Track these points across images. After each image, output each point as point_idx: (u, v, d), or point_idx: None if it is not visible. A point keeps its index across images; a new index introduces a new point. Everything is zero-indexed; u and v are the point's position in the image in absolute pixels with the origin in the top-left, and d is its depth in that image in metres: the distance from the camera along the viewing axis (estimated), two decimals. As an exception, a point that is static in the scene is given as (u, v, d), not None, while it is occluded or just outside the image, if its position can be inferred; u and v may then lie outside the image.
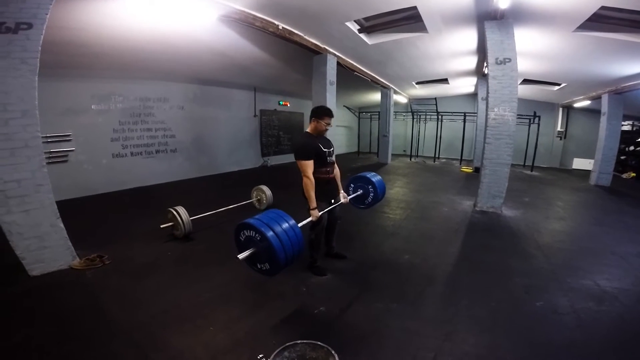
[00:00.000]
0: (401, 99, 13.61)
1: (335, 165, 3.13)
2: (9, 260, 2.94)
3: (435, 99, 13.09)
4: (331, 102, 6.50)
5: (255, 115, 10.24)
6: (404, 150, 15.10)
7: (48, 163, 3.25)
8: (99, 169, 6.39)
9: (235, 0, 4.29)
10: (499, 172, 5.31)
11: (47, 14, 2.75)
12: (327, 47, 6.29)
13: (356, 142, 16.05)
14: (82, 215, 4.89)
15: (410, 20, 5.50)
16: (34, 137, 2.83)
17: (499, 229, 4.73)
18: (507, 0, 4.19)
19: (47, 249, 3.01)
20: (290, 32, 5.35)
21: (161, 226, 3.99)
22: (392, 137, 12.63)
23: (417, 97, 13.90)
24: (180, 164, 8.01)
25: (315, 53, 6.27)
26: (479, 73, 9.29)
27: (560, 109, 11.95)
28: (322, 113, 2.90)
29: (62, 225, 3.10)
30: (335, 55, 6.64)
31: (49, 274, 3.02)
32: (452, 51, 7.20)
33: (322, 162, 2.88)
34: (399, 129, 15.02)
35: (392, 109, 12.26)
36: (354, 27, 5.73)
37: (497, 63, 5.07)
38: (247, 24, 4.72)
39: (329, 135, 3.13)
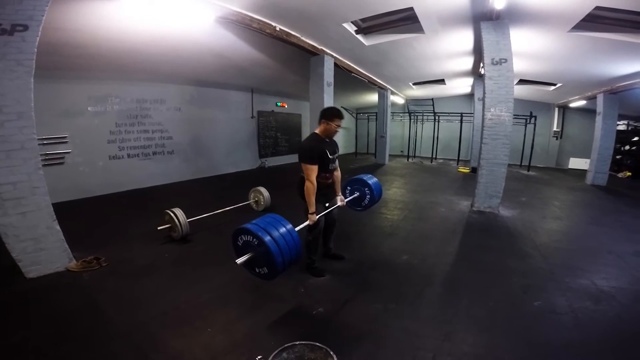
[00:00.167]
0: (398, 99, 13.65)
1: (338, 169, 3.11)
2: (5, 263, 2.93)
3: (432, 99, 13.14)
4: (329, 103, 6.50)
5: (252, 117, 10.23)
6: (402, 151, 15.14)
7: (44, 165, 3.24)
8: (96, 171, 6.36)
9: (233, 1, 4.29)
10: (495, 172, 5.33)
11: (43, 16, 2.74)
12: (324, 49, 6.30)
13: (354, 142, 16.07)
14: (78, 217, 4.87)
15: (407, 21, 5.52)
16: (30, 139, 2.81)
17: (497, 229, 4.75)
18: (502, 1, 4.21)
19: (44, 251, 2.99)
20: (288, 34, 5.35)
21: (158, 228, 3.97)
22: (389, 137, 12.67)
23: (414, 97, 13.94)
24: (177, 166, 7.99)
25: (313, 54, 6.28)
26: (476, 73, 9.34)
27: (556, 109, 12.03)
28: (332, 115, 2.83)
29: (58, 227, 3.08)
30: (332, 56, 6.66)
31: (46, 276, 3.00)
32: (448, 52, 7.23)
33: (324, 168, 2.85)
34: (396, 130, 15.06)
35: (389, 110, 12.29)
36: (351, 29, 5.75)
37: (493, 63, 5.09)
38: (244, 26, 4.72)
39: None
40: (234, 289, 2.87)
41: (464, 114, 12.40)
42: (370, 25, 5.99)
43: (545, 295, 2.84)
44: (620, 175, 10.05)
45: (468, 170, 10.39)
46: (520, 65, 7.32)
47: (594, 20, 4.78)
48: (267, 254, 1.93)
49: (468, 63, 8.33)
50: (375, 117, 13.06)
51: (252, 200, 5.44)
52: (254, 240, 1.96)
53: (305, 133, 12.08)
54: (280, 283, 2.87)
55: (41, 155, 3.04)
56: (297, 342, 1.80)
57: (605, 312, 2.59)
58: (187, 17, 4.56)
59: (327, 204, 3.04)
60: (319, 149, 2.79)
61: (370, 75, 9.31)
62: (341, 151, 3.67)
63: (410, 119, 14.22)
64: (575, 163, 11.87)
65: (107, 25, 4.44)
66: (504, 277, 3.18)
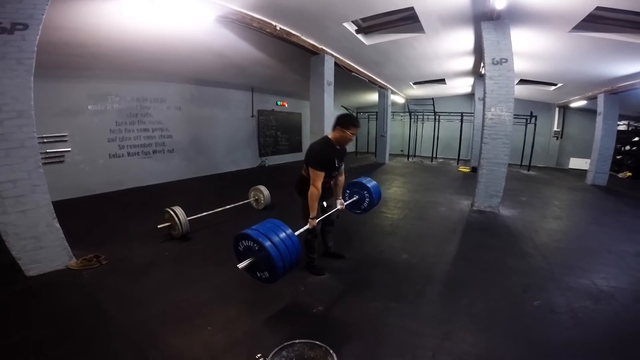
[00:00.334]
0: (399, 99, 13.65)
1: (343, 174, 3.08)
2: (5, 261, 2.93)
3: (433, 99, 13.13)
4: (329, 102, 6.51)
5: (252, 116, 10.22)
6: (402, 151, 15.14)
7: (44, 163, 3.24)
8: (96, 169, 6.36)
9: (233, 0, 4.28)
10: (496, 171, 5.33)
11: (43, 15, 2.73)
12: (324, 48, 6.30)
13: (354, 142, 16.04)
14: (78, 215, 4.87)
15: (408, 20, 5.51)
16: (30, 137, 2.81)
17: (497, 228, 4.75)
18: (503, 1, 4.20)
19: (44, 249, 2.99)
20: (288, 33, 5.34)
21: (158, 226, 3.98)
22: (389, 137, 12.65)
23: (414, 97, 13.93)
24: (177, 164, 7.99)
25: (313, 53, 6.27)
26: (476, 73, 9.33)
27: (557, 109, 12.02)
28: (348, 123, 2.68)
29: (58, 225, 3.08)
30: (332, 55, 6.65)
31: (46, 274, 3.00)
32: (449, 51, 7.22)
33: (327, 174, 2.79)
34: (396, 129, 15.05)
35: (389, 109, 12.28)
36: (352, 28, 5.74)
37: (493, 63, 5.09)
38: (244, 25, 4.71)
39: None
40: (234, 287, 2.87)
41: (464, 114, 12.39)
42: (370, 25, 5.98)
43: (545, 294, 2.84)
44: (620, 175, 10.05)
45: (468, 170, 10.39)
46: (521, 65, 7.31)
47: (595, 21, 4.77)
48: (268, 259, 1.95)
49: (468, 63, 8.32)
50: (375, 116, 13.05)
51: (252, 199, 5.44)
52: (255, 245, 1.98)
53: (306, 132, 12.09)
54: (279, 282, 2.86)
55: (41, 153, 3.04)
56: (297, 341, 1.80)
57: (605, 311, 2.59)
58: (188, 16, 4.55)
59: (324, 203, 3.03)
60: (328, 159, 2.73)
61: (371, 75, 9.30)
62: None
63: (410, 119, 14.21)
64: (576, 163, 11.86)
65: (107, 24, 4.44)
66: (504, 277, 3.18)
